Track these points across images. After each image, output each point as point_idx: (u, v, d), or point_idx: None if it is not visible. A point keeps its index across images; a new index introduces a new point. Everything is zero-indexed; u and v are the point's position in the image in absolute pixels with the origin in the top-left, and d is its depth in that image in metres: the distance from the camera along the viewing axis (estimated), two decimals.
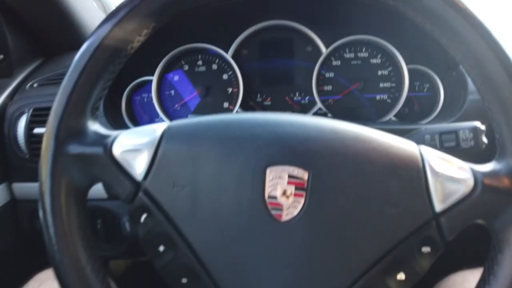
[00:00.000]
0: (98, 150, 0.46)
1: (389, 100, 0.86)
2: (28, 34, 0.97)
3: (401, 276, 0.43)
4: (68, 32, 1.01)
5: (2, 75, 0.93)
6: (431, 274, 0.47)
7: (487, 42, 0.41)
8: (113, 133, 0.48)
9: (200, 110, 0.91)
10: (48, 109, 0.84)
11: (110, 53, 0.47)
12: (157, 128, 0.47)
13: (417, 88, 0.85)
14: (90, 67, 0.47)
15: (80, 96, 0.47)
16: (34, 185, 0.86)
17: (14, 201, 0.88)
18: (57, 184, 0.47)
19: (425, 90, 0.85)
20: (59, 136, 0.46)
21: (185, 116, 0.91)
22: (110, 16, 0.47)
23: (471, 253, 0.72)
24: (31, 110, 0.83)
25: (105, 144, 0.47)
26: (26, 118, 0.83)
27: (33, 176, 0.85)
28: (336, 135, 0.43)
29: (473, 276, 0.67)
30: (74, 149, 0.46)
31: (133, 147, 0.46)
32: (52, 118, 0.47)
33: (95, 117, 0.50)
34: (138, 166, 0.46)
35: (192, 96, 0.91)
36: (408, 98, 0.83)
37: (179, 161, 0.45)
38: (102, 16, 1.13)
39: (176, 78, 0.91)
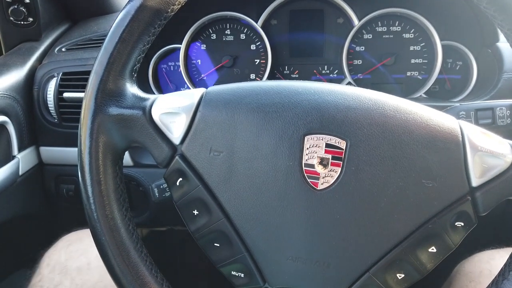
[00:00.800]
0: (137, 112, 0.47)
1: (420, 77, 0.84)
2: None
3: (432, 249, 0.43)
4: None
5: (32, 38, 0.93)
6: (460, 249, 0.47)
7: None
8: (151, 96, 0.49)
9: (226, 80, 0.91)
10: (77, 73, 0.85)
11: (151, 14, 0.47)
12: (195, 93, 0.47)
13: (449, 65, 0.83)
14: (131, 28, 0.47)
15: (120, 58, 0.47)
16: (61, 150, 0.88)
17: (41, 164, 0.90)
18: (95, 144, 0.47)
19: (458, 68, 0.83)
20: (98, 98, 0.47)
21: (211, 84, 0.91)
22: None
23: (501, 231, 0.72)
24: (60, 74, 0.84)
25: (143, 106, 0.47)
26: (56, 82, 0.83)
27: (61, 140, 0.87)
28: (376, 105, 0.43)
29: (499, 254, 0.67)
30: (114, 110, 0.47)
31: (172, 110, 0.46)
32: (93, 79, 0.47)
33: (134, 80, 0.50)
34: (176, 130, 0.46)
35: (219, 66, 0.90)
36: (439, 75, 0.81)
37: (216, 126, 0.45)
38: None
39: (203, 47, 0.91)
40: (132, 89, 0.49)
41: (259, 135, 0.44)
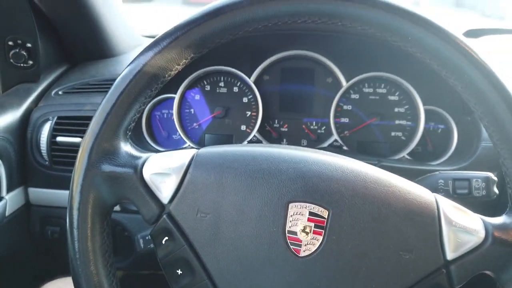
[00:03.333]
0: (128, 170, 0.48)
1: (403, 138, 0.88)
2: (56, 41, 1.00)
3: None
4: (95, 42, 1.04)
5: (30, 79, 0.95)
6: None
7: (499, 92, 0.43)
8: (143, 155, 0.51)
9: (218, 131, 0.93)
10: (72, 118, 0.87)
11: (149, 79, 0.50)
12: (186, 154, 0.49)
13: (431, 128, 0.87)
14: (129, 91, 0.50)
15: (116, 118, 0.50)
16: (49, 191, 0.88)
17: (27, 205, 0.90)
18: (85, 200, 0.49)
19: (439, 131, 0.87)
20: (93, 154, 0.48)
21: (202, 134, 0.93)
22: (153, 45, 0.50)
23: None
24: (55, 118, 0.86)
25: (135, 165, 0.49)
26: (50, 126, 0.85)
27: (50, 182, 0.88)
28: (358, 176, 0.45)
29: None
30: (106, 167, 0.48)
31: (162, 170, 0.48)
32: (89, 136, 0.49)
33: (127, 138, 0.52)
34: (165, 190, 0.48)
35: (211, 116, 0.93)
36: (422, 137, 0.85)
37: (204, 189, 0.47)
38: (128, 30, 1.17)
39: (197, 97, 0.94)
40: (125, 147, 0.51)
41: (245, 199, 0.45)
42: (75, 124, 0.85)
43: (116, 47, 1.09)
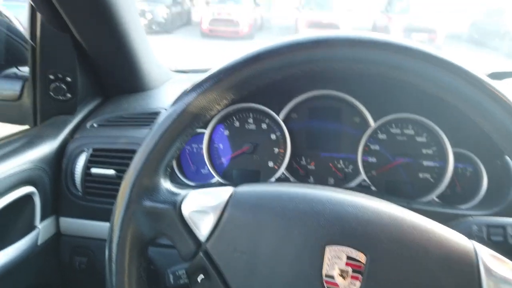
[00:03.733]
0: (168, 207, 0.50)
1: (432, 180, 0.87)
2: (93, 76, 1.05)
3: None
4: (129, 76, 1.09)
5: (66, 112, 1.00)
6: None
7: None
8: (182, 191, 0.52)
9: (246, 166, 0.95)
10: (106, 150, 0.90)
11: (191, 118, 0.52)
12: (224, 192, 0.51)
13: (460, 171, 0.87)
14: (172, 130, 0.52)
15: (158, 155, 0.52)
16: (80, 222, 0.90)
17: (58, 235, 0.92)
18: (124, 234, 0.50)
19: (468, 174, 0.87)
20: (134, 190, 0.50)
21: (231, 169, 0.95)
22: (196, 87, 0.53)
23: None
24: (90, 150, 0.89)
25: (174, 201, 0.50)
26: (86, 157, 0.88)
27: (82, 213, 0.90)
28: (395, 221, 0.45)
29: None
30: (147, 203, 0.50)
31: (201, 208, 0.50)
32: (131, 172, 0.51)
33: (167, 174, 0.54)
34: (203, 227, 0.49)
35: (239, 152, 0.95)
36: (451, 180, 0.85)
37: (242, 228, 0.48)
38: (158, 65, 1.22)
39: (226, 132, 0.96)
40: (165, 184, 0.53)
41: (282, 240, 0.46)
42: (109, 156, 0.88)
43: (148, 81, 1.14)
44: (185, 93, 0.54)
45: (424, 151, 0.89)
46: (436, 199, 0.85)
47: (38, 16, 0.88)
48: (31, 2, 0.85)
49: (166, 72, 1.29)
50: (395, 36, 0.52)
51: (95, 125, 0.97)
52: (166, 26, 12.94)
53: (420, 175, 0.88)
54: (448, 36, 11.57)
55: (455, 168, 0.86)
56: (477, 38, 12.59)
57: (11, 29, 0.97)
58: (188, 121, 0.53)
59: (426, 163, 0.88)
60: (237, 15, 12.24)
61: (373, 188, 0.88)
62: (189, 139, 0.54)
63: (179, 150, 0.55)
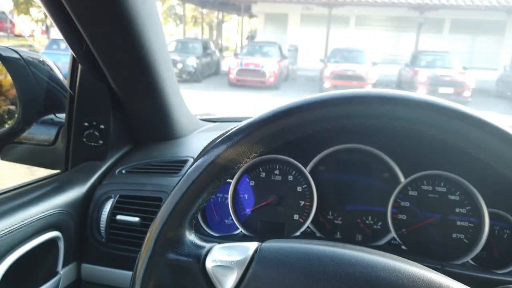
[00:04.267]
0: (192, 260, 0.49)
1: (466, 241, 0.83)
2: (125, 123, 1.09)
3: None
4: (159, 125, 1.12)
5: (97, 158, 1.02)
6: None
7: None
8: (207, 245, 0.51)
9: (271, 218, 0.93)
10: (133, 197, 0.90)
11: (219, 170, 0.53)
12: (250, 247, 0.49)
13: (497, 232, 0.82)
14: (199, 182, 0.52)
15: (184, 207, 0.52)
16: (102, 269, 0.89)
17: (79, 281, 0.91)
18: (146, 285, 0.49)
19: (506, 236, 0.82)
20: (158, 242, 0.50)
21: (255, 221, 0.93)
22: (226, 139, 0.54)
23: None
24: (117, 197, 0.89)
25: (198, 255, 0.49)
26: (112, 204, 0.89)
27: (104, 260, 0.89)
28: None
29: None
30: (171, 256, 0.49)
31: (225, 263, 0.48)
32: (157, 223, 0.51)
33: (192, 227, 0.53)
34: (227, 284, 0.47)
35: (264, 203, 0.94)
36: (486, 242, 0.80)
37: (266, 286, 0.46)
38: (187, 113, 1.25)
39: (252, 183, 0.96)
40: (190, 236, 0.52)
41: None
42: (135, 203, 0.88)
43: (178, 130, 1.16)
44: (215, 145, 0.55)
45: (457, 210, 0.85)
46: (472, 262, 0.80)
47: (79, 67, 0.94)
48: (73, 54, 0.90)
49: (195, 121, 1.32)
50: (430, 96, 0.52)
51: (123, 171, 0.99)
52: (196, 75, 13.48)
53: (454, 235, 0.84)
54: (476, 90, 11.50)
55: (492, 229, 0.82)
56: (504, 92, 12.48)
57: (52, 78, 1.02)
58: (216, 173, 0.53)
59: (459, 222, 0.84)
60: (264, 66, 12.63)
61: (403, 247, 0.84)
62: (216, 190, 0.54)
63: (205, 202, 0.55)
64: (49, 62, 1.09)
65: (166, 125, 1.11)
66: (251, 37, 22.67)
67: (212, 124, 1.38)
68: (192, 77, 13.38)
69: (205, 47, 15.22)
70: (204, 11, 23.61)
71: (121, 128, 1.06)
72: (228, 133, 0.57)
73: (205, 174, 0.53)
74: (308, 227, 0.89)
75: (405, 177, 0.87)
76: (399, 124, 0.51)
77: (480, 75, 12.84)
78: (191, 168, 0.54)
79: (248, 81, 12.64)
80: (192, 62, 13.43)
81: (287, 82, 14.54)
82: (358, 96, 0.53)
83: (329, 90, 11.85)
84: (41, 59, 1.07)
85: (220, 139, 0.57)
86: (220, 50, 22.17)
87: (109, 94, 0.97)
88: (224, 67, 15.58)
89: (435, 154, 0.86)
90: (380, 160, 0.90)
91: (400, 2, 15.07)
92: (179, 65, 13.15)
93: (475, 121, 0.47)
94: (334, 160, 0.94)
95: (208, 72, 14.97)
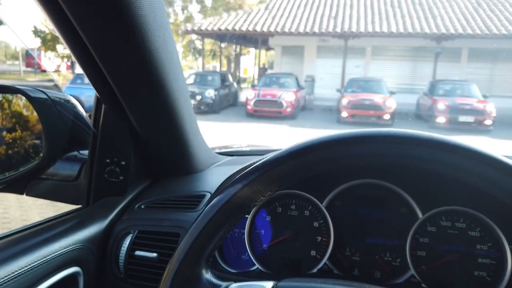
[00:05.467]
0: None
1: (488, 278, 0.80)
2: (144, 159, 1.12)
3: None
4: (178, 161, 1.14)
5: (117, 193, 1.05)
6: None
7: None
8: (223, 283, 0.52)
9: (287, 254, 0.92)
10: (152, 233, 0.92)
11: (235, 209, 0.54)
12: (266, 286, 0.50)
13: None
14: (216, 220, 0.53)
15: (201, 245, 0.53)
16: None
17: None
18: None
19: None
20: (175, 281, 0.50)
21: (272, 257, 0.93)
22: (242, 178, 0.55)
23: None
24: (136, 232, 0.91)
25: None
26: (130, 239, 0.90)
27: None
28: None
29: None
30: None
31: None
32: (174, 262, 0.52)
33: (209, 265, 0.54)
34: None
35: (281, 239, 0.93)
36: (510, 279, 0.78)
37: None
38: (205, 148, 1.27)
39: (268, 218, 0.96)
40: (206, 274, 0.53)
41: None
42: (153, 239, 0.90)
43: (196, 165, 1.18)
44: (231, 183, 0.56)
45: (478, 246, 0.83)
46: None
47: (102, 106, 0.98)
48: (97, 94, 0.95)
49: (213, 155, 1.34)
50: (442, 135, 0.53)
51: (142, 206, 1.01)
52: (214, 106, 13.74)
53: (476, 272, 0.82)
54: (498, 118, 11.32)
55: None
56: None
57: (77, 116, 1.07)
58: (232, 212, 0.54)
59: (481, 259, 0.82)
60: (281, 96, 12.78)
61: (423, 285, 0.82)
62: (232, 228, 0.55)
63: (222, 240, 0.56)
64: (74, 101, 1.14)
65: (184, 161, 1.14)
66: (264, 68, 23.15)
67: (229, 158, 1.40)
68: (210, 109, 13.63)
69: (223, 79, 15.56)
70: (223, 45, 24.28)
71: (141, 164, 1.09)
72: (244, 171, 0.58)
73: (221, 213, 0.54)
74: (325, 263, 0.88)
75: (423, 212, 0.86)
76: (412, 163, 0.52)
77: (501, 103, 12.70)
78: (207, 207, 0.56)
79: (265, 111, 12.79)
80: (210, 94, 13.72)
81: (304, 112, 14.64)
82: (371, 136, 0.54)
83: (347, 119, 11.89)
84: (67, 98, 1.12)
85: (236, 177, 0.58)
86: (238, 82, 22.63)
87: (130, 132, 1.00)
88: (242, 98, 15.84)
89: (453, 190, 0.85)
90: (397, 196, 0.90)
91: (416, 33, 15.19)
92: (198, 97, 13.45)
93: (489, 159, 0.47)
94: (350, 195, 0.93)
95: (226, 103, 15.24)
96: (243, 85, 25.96)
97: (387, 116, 11.56)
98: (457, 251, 0.83)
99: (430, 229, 0.87)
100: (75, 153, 1.10)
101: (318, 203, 0.92)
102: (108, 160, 1.02)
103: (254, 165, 0.57)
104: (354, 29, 15.77)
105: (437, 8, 17.09)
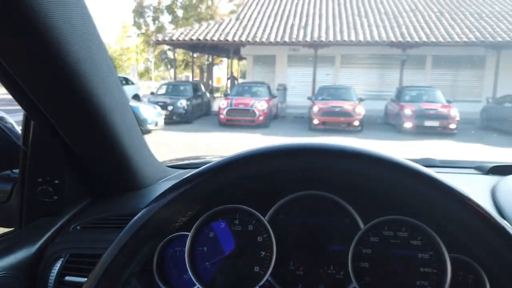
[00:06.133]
0: None
1: None
2: (82, 177, 1.06)
3: None
4: (120, 176, 1.09)
5: (52, 213, 0.99)
6: None
7: None
8: None
9: (231, 271, 0.89)
10: (84, 256, 0.86)
11: (152, 232, 0.50)
12: None
13: (461, 278, 0.79)
14: (130, 245, 0.50)
15: (115, 273, 0.49)
16: None
17: None
18: None
19: (470, 281, 0.79)
20: None
21: (214, 275, 0.89)
22: (159, 197, 0.52)
23: None
24: (67, 256, 0.85)
25: None
26: (61, 264, 0.85)
27: None
28: None
29: None
30: None
31: None
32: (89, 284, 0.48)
33: None
34: None
35: (224, 255, 0.90)
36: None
37: None
38: (152, 162, 1.22)
39: (211, 235, 0.92)
40: None
41: None
42: (85, 262, 0.84)
43: (141, 180, 1.13)
44: (148, 204, 0.53)
45: (420, 255, 0.82)
46: None
47: (31, 122, 0.92)
48: (24, 110, 0.89)
49: (162, 169, 1.30)
50: (367, 147, 0.52)
51: (78, 227, 0.95)
52: (186, 116, 13.68)
53: (418, 282, 0.81)
54: (461, 122, 11.76)
55: (455, 275, 0.79)
56: (489, 123, 12.85)
57: (9, 133, 1.00)
58: (149, 235, 0.51)
59: (422, 269, 0.81)
60: (253, 105, 12.84)
61: None
62: (152, 252, 0.52)
63: (139, 265, 0.52)
64: (8, 118, 1.08)
65: (127, 177, 1.09)
66: (233, 77, 23.31)
67: (181, 171, 1.36)
68: (182, 119, 13.54)
69: (195, 89, 15.52)
70: (195, 55, 24.22)
71: (78, 182, 1.04)
72: (162, 192, 0.55)
73: (136, 238, 0.51)
74: (267, 280, 0.85)
75: (365, 223, 0.85)
76: (329, 175, 0.50)
77: (464, 107, 13.22)
78: (122, 231, 0.52)
79: (238, 120, 12.81)
80: (182, 104, 13.65)
81: (277, 120, 14.75)
82: (288, 149, 0.52)
83: (318, 126, 12.06)
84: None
85: (155, 197, 0.55)
86: (211, 91, 22.59)
87: (63, 148, 0.95)
88: (215, 107, 15.83)
89: (394, 200, 0.84)
90: (340, 207, 0.88)
91: (382, 41, 15.63)
92: (170, 107, 13.35)
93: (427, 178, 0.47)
94: (294, 208, 0.91)
95: (199, 113, 15.18)
96: (216, 95, 25.94)
97: (356, 123, 11.78)
98: (399, 260, 0.82)
99: (372, 239, 0.85)
100: (8, 172, 1.03)
101: (261, 216, 0.89)
102: (40, 179, 0.96)
103: (173, 185, 0.54)
104: (323, 38, 16.07)
105: (402, 17, 17.69)
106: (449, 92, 15.92)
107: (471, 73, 17.72)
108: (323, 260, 0.87)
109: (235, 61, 25.94)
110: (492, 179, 1.17)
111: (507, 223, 0.49)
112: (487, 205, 1.04)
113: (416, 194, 0.49)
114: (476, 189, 1.11)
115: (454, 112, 11.55)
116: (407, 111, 11.72)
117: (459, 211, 0.48)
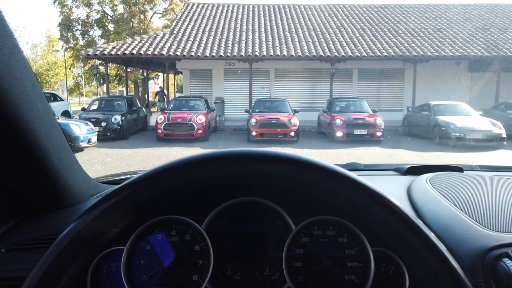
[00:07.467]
0: None
1: (357, 281, 0.86)
2: (5, 196, 1.00)
3: None
4: (46, 195, 1.04)
5: None
6: None
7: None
8: None
9: (170, 282, 0.89)
10: (8, 279, 0.82)
11: (84, 244, 0.50)
12: None
13: (383, 269, 0.87)
14: (60, 260, 0.49)
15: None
16: None
17: None
18: None
19: (391, 272, 0.86)
20: None
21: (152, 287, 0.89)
22: (89, 210, 0.52)
23: None
24: None
25: None
26: None
27: None
28: None
29: None
30: None
31: None
32: None
33: None
34: None
35: (162, 266, 0.90)
36: (374, 280, 0.84)
37: None
38: (83, 178, 1.19)
39: (148, 247, 0.92)
40: None
41: None
42: (12, 286, 0.80)
43: (70, 198, 1.09)
44: (77, 219, 0.53)
45: (347, 251, 0.89)
46: None
47: None
48: None
49: (94, 185, 1.26)
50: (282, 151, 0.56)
51: (3, 250, 0.90)
52: (122, 132, 13.21)
53: (346, 276, 0.87)
54: (386, 130, 12.64)
55: (378, 266, 0.86)
56: (410, 130, 14.03)
57: None
58: (79, 249, 0.51)
59: (350, 263, 0.88)
60: (191, 119, 12.74)
61: None
62: (84, 265, 0.51)
63: (71, 280, 0.51)
64: None
65: (56, 194, 1.04)
66: (161, 91, 23.05)
67: (115, 187, 1.33)
68: (118, 134, 13.06)
69: (130, 103, 15.07)
70: (128, 69, 23.52)
71: (1, 202, 0.98)
72: (93, 203, 0.55)
73: (65, 252, 0.50)
74: (206, 286, 0.86)
75: (296, 224, 0.90)
76: (258, 181, 0.53)
77: (388, 116, 14.26)
78: (51, 246, 0.51)
79: (176, 134, 12.63)
80: (116, 119, 13.18)
81: (216, 133, 14.76)
82: (213, 157, 0.55)
83: (256, 138, 12.24)
84: None
85: (85, 210, 0.55)
86: (147, 106, 22.04)
87: None
88: (152, 122, 15.46)
89: (321, 202, 0.90)
90: (273, 210, 0.93)
91: (313, 56, 16.42)
92: (103, 124, 12.82)
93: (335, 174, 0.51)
94: (229, 215, 0.94)
95: (135, 128, 14.74)
96: (152, 109, 25.33)
97: (292, 133, 12.16)
98: (328, 258, 0.88)
99: (304, 239, 0.90)
100: None
101: (197, 225, 0.91)
102: None
103: (103, 196, 0.54)
104: (257, 53, 16.46)
105: (329, 33, 18.74)
106: (375, 102, 17.13)
107: (393, 84, 19.26)
108: (260, 263, 0.90)
109: (171, 75, 25.60)
110: (408, 179, 1.30)
111: (420, 220, 0.56)
112: (403, 201, 1.15)
113: (340, 195, 0.54)
114: (394, 187, 1.22)
115: (380, 120, 12.41)
116: (338, 121, 12.38)
117: (377, 208, 0.53)
